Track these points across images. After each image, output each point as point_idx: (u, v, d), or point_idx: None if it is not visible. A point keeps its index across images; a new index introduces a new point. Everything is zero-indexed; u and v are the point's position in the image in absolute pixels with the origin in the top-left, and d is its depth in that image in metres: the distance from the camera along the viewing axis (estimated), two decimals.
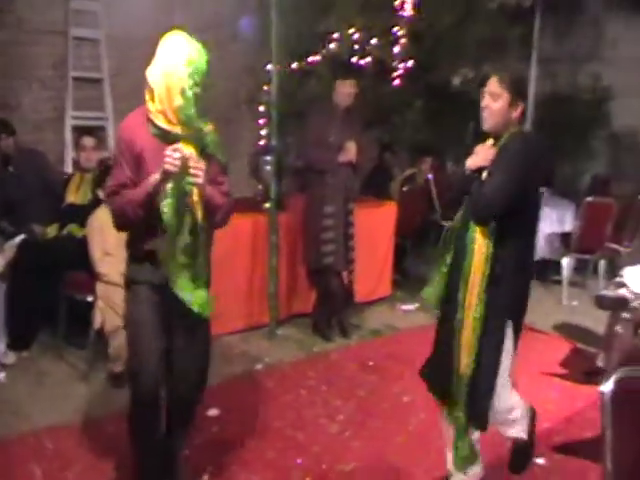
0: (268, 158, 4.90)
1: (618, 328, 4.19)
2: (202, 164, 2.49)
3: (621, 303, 4.19)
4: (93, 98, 5.73)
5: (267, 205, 4.79)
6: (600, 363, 4.24)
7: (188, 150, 2.48)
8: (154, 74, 2.53)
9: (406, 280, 6.15)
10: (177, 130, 2.53)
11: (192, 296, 2.55)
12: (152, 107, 2.55)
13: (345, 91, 4.68)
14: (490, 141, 2.74)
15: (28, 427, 3.48)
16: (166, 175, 2.45)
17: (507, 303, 2.65)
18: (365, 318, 5.32)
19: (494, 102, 2.66)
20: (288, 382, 4.15)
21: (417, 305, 5.61)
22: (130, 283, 2.69)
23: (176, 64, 2.47)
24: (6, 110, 5.20)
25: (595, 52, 7.24)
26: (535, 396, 3.41)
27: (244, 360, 4.42)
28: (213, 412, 3.65)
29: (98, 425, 3.53)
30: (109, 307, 3.96)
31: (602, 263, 5.94)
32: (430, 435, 3.52)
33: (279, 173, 4.82)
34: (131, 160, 2.55)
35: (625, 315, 4.15)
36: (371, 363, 4.46)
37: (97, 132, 5.13)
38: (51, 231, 4.45)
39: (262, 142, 6.02)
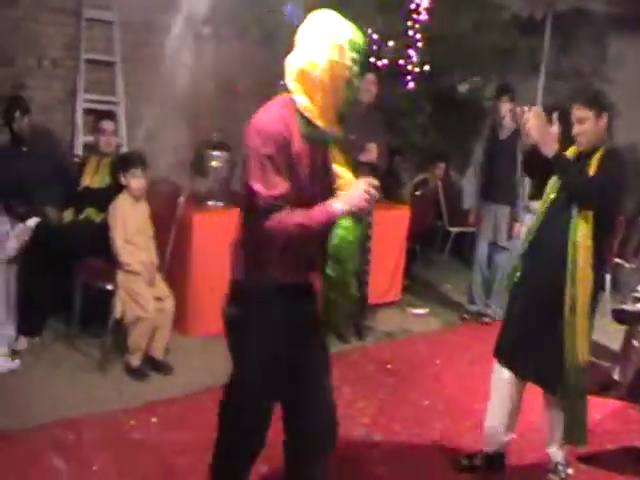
0: None
1: (635, 342, 4.25)
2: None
3: (639, 318, 4.25)
4: (104, 81, 5.56)
5: None
6: (616, 376, 4.28)
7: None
8: (315, 63, 2.09)
9: (415, 284, 6.11)
10: (334, 131, 2.16)
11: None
12: (309, 104, 2.12)
13: (366, 87, 4.65)
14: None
15: (45, 417, 3.34)
16: (358, 212, 2.11)
17: (595, 293, 2.96)
18: (377, 320, 5.27)
19: (583, 125, 2.91)
20: None
21: (428, 310, 5.61)
22: (255, 326, 2.25)
23: (342, 49, 2.08)
24: (16, 88, 5.01)
25: (599, 69, 7.34)
26: None
27: None
28: None
29: (118, 417, 3.43)
30: (130, 297, 3.86)
31: (608, 278, 6.02)
32: (457, 441, 3.53)
33: None
34: (287, 167, 2.10)
35: None
36: (389, 366, 4.43)
37: (113, 116, 4.98)
38: (67, 215, 4.28)
39: None
